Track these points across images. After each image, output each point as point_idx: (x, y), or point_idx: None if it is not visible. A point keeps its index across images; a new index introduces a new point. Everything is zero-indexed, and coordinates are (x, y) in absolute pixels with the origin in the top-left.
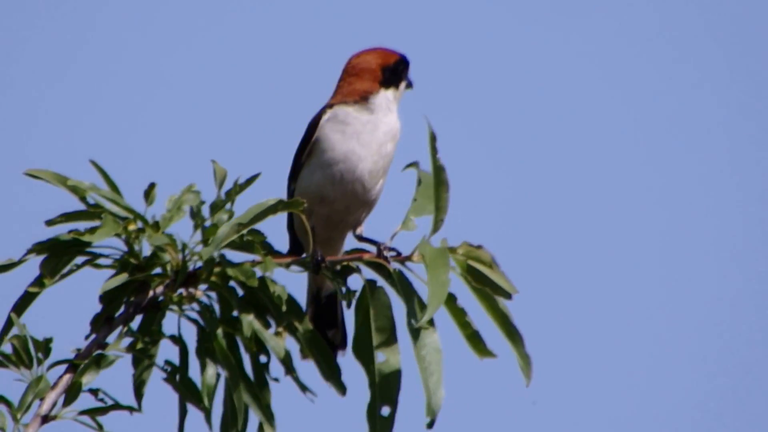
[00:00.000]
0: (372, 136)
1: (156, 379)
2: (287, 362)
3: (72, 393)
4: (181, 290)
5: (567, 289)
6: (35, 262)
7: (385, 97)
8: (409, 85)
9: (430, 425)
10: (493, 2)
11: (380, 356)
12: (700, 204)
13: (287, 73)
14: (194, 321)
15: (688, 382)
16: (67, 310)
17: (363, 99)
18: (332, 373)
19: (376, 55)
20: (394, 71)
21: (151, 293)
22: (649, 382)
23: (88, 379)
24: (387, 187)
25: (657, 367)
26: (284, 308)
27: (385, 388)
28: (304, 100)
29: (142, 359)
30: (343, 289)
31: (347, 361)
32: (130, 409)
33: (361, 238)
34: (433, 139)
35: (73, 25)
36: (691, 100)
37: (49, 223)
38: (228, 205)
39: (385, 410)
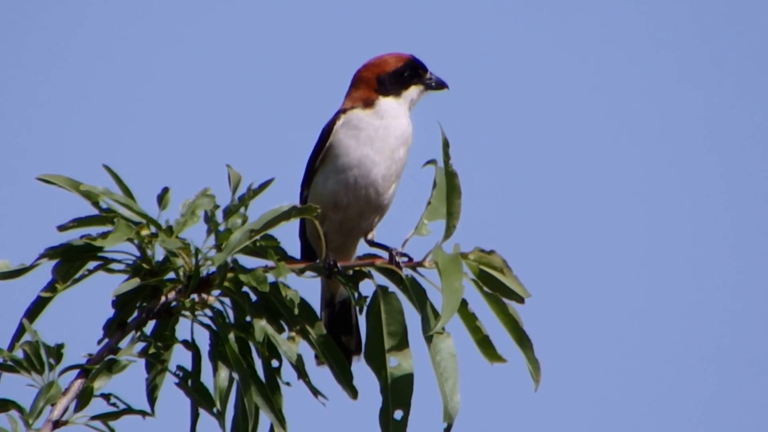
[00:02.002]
0: (384, 141)
1: (169, 383)
2: (300, 366)
3: (84, 398)
4: (194, 296)
5: (577, 293)
6: (48, 267)
7: (387, 103)
8: (438, 86)
9: (448, 429)
10: (502, 7)
11: (393, 361)
12: (717, 207)
13: (301, 79)
14: (207, 326)
15: (698, 384)
16: (80, 316)
17: (369, 105)
18: (345, 377)
19: (374, 64)
20: (394, 78)
21: (163, 298)
22: (658, 384)
23: (100, 384)
24: (399, 193)
25: (666, 369)
26: (296, 312)
27: (398, 393)
28: (318, 105)
29: (155, 364)
30: (356, 295)
31: (359, 365)
32: (143, 413)
33: (372, 243)
34: (446, 145)
35: (87, 30)
36: (694, 100)
37: (62, 228)
38: (242, 210)
39: (398, 414)
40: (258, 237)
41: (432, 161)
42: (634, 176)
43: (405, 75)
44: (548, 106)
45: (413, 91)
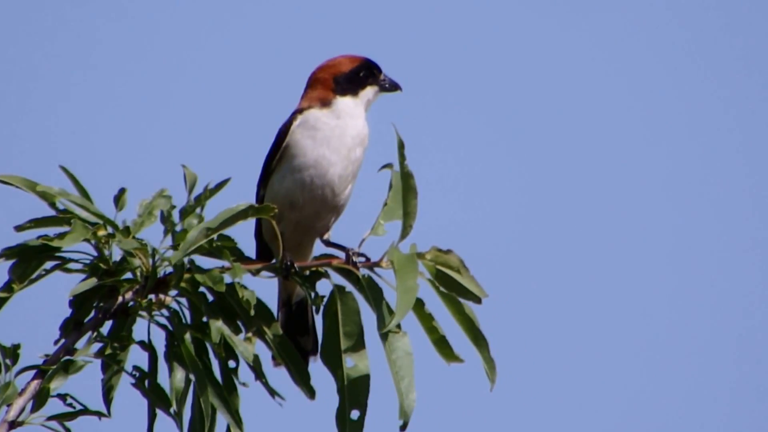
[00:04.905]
0: (341, 141)
1: (125, 384)
2: (257, 367)
3: (40, 398)
4: (151, 296)
5: (534, 293)
6: (4, 267)
7: (345, 103)
8: (391, 87)
9: (403, 428)
10: (464, 4)
11: (349, 361)
12: (671, 206)
13: (257, 79)
14: (163, 326)
15: (656, 382)
16: (37, 316)
17: (326, 105)
18: (302, 378)
19: (329, 65)
20: (350, 78)
21: (120, 298)
22: (616, 383)
23: (57, 385)
24: (355, 193)
25: (623, 368)
26: (252, 312)
27: (354, 393)
28: (274, 105)
29: (111, 365)
30: (312, 294)
31: (317, 365)
32: (99, 414)
33: (329, 243)
34: (401, 146)
35: (47, 31)
36: (694, 98)
37: (19, 228)
38: (198, 210)
39: (355, 414)
40: (214, 236)
41: (388, 165)
42: (592, 176)
43: (361, 75)
44: (507, 104)
45: (369, 91)
